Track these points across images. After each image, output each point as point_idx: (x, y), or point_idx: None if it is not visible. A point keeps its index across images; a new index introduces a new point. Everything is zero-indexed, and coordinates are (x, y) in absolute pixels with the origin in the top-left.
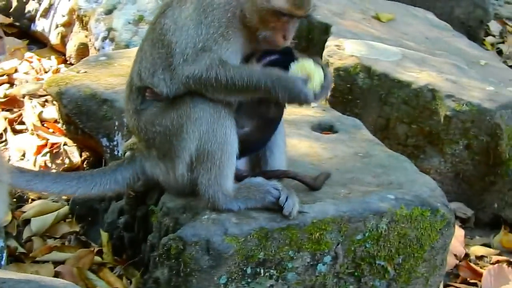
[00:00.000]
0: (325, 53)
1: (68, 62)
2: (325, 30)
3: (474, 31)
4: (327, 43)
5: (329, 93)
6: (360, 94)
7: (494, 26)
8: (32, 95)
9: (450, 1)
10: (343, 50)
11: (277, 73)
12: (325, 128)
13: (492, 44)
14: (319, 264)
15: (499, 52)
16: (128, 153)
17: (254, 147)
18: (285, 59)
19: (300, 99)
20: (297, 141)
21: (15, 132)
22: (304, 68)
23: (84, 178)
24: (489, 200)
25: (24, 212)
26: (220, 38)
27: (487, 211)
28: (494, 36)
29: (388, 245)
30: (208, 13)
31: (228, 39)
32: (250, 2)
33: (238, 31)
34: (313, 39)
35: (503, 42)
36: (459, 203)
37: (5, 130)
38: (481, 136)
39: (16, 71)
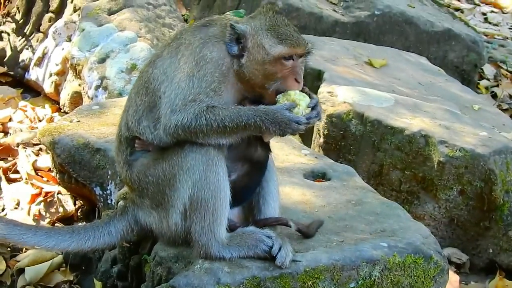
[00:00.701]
0: None
1: (62, 111)
2: (317, 76)
3: (468, 75)
4: (320, 90)
5: (321, 116)
6: (353, 141)
7: (488, 70)
8: (26, 144)
9: (444, 45)
10: (335, 96)
11: (263, 108)
12: (318, 175)
13: (486, 88)
14: None
15: (494, 96)
16: (120, 204)
17: (244, 194)
18: None
19: (291, 127)
20: (290, 189)
21: (10, 181)
22: (289, 96)
23: (77, 233)
24: (484, 245)
25: (18, 261)
26: (211, 93)
27: (482, 256)
28: (488, 79)
29: None
30: (201, 66)
31: (220, 94)
32: (250, 61)
33: (230, 86)
34: (306, 85)
35: (497, 86)
36: (454, 248)
37: None
38: (475, 182)
39: (10, 120)
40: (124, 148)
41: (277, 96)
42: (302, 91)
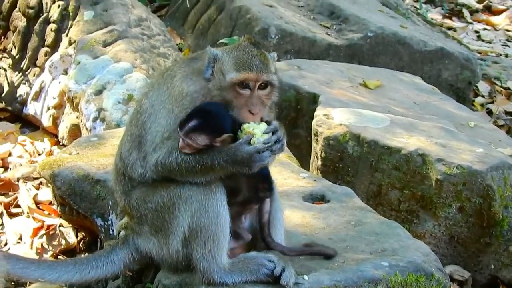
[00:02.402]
0: (314, 122)
1: (61, 144)
2: (313, 100)
3: (463, 92)
4: (316, 113)
5: (284, 140)
6: (350, 162)
7: (483, 87)
8: (27, 178)
9: (437, 64)
10: (331, 119)
11: (223, 149)
12: (317, 198)
13: (481, 105)
14: None
15: (489, 112)
16: (121, 233)
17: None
18: (201, 121)
19: (253, 159)
20: (290, 212)
21: (11, 215)
22: (245, 130)
23: (80, 263)
24: (485, 262)
25: None
26: None
27: (484, 272)
28: (483, 96)
29: None
30: (179, 102)
31: None
32: (213, 86)
33: None
34: (302, 109)
35: (492, 102)
36: (456, 265)
37: (1, 214)
38: (473, 198)
39: (10, 155)
40: (122, 179)
41: (237, 135)
42: (267, 122)
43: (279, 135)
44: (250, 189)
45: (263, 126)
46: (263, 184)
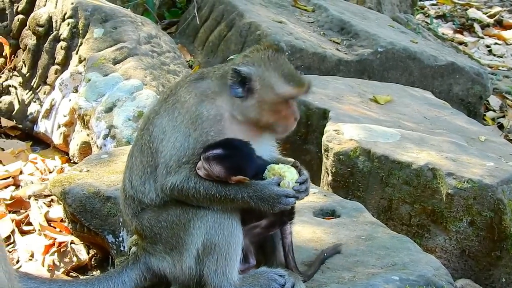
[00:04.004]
0: (324, 138)
1: (71, 161)
2: (323, 115)
3: (474, 107)
4: (326, 129)
5: (309, 190)
6: (361, 177)
7: (494, 101)
8: (38, 196)
9: (448, 79)
10: (342, 134)
11: (251, 184)
12: (327, 213)
13: (493, 119)
14: None
15: (500, 126)
16: (132, 250)
17: None
18: (225, 152)
19: (280, 201)
20: (300, 227)
21: (23, 233)
22: (273, 171)
23: (91, 284)
24: (496, 275)
25: None
26: None
27: (495, 286)
28: (494, 110)
29: None
30: (197, 125)
31: None
32: (258, 102)
33: (220, 137)
34: (312, 124)
35: (503, 116)
36: (467, 279)
37: (12, 232)
38: (484, 212)
39: (21, 172)
40: (130, 203)
41: (264, 174)
42: (294, 165)
43: (307, 186)
44: (275, 213)
45: (293, 170)
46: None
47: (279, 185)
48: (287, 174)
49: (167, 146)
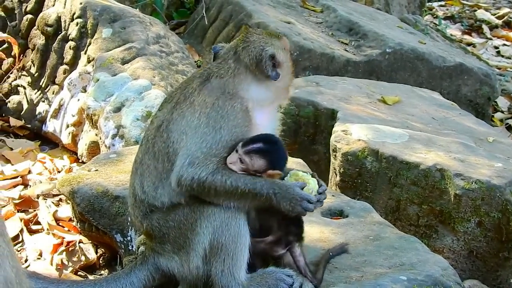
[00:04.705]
0: (332, 138)
1: (80, 161)
2: (331, 116)
3: (482, 108)
4: (334, 129)
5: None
6: (369, 178)
7: (502, 102)
8: (46, 195)
9: (456, 80)
10: (350, 135)
11: (278, 182)
12: (335, 213)
13: (501, 120)
14: None
15: (508, 128)
16: (141, 250)
17: None
18: (267, 147)
19: (302, 204)
20: (308, 227)
21: (31, 232)
22: (297, 176)
23: (99, 285)
24: (504, 276)
25: None
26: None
27: (503, 287)
28: (502, 112)
29: None
30: (226, 121)
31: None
32: (285, 75)
33: (250, 127)
34: (320, 125)
35: (511, 117)
36: (474, 280)
37: (21, 231)
38: (492, 213)
39: (29, 172)
40: (140, 204)
41: (285, 178)
42: (312, 175)
43: (325, 197)
44: (281, 229)
45: (315, 180)
46: (296, 228)
47: (302, 189)
48: (311, 182)
49: (191, 142)
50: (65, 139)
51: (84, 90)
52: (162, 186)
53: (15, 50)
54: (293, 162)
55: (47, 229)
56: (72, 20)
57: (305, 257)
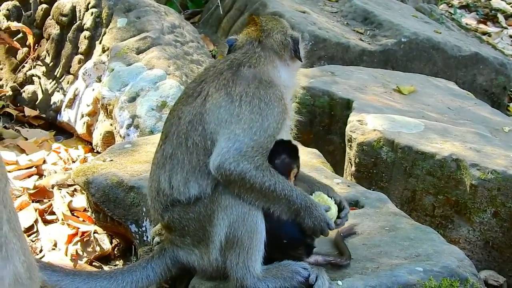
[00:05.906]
0: (347, 128)
1: (95, 151)
2: (346, 106)
3: (497, 97)
4: (349, 119)
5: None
6: (384, 168)
7: None
8: (61, 185)
9: (472, 69)
10: (365, 125)
11: (310, 197)
12: (351, 203)
13: None
14: None
15: None
16: (156, 241)
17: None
18: (289, 160)
19: (322, 226)
20: None
21: (46, 222)
22: (321, 199)
23: (115, 278)
24: None
25: None
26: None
27: None
28: None
29: None
30: (268, 102)
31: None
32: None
33: (287, 114)
34: (335, 115)
35: None
36: (490, 270)
37: (36, 221)
38: (508, 203)
39: (44, 162)
40: (163, 199)
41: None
42: (335, 200)
43: (346, 220)
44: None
45: (336, 207)
46: (306, 248)
47: (326, 211)
48: (333, 208)
49: (238, 127)
50: (80, 129)
51: (99, 80)
52: (194, 179)
53: (30, 39)
54: (308, 152)
55: (62, 220)
56: (87, 9)
57: (320, 254)
